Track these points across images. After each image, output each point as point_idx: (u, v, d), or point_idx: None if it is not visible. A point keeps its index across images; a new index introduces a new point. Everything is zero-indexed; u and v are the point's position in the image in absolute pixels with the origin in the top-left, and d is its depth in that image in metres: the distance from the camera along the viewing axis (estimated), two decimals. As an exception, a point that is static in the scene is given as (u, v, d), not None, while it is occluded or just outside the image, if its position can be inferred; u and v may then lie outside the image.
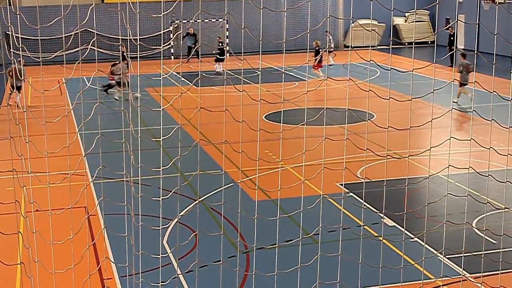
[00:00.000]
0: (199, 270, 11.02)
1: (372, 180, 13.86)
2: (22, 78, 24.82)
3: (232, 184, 15.92)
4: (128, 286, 10.38)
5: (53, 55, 15.01)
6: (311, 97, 25.07)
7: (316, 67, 32.55)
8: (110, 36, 36.13)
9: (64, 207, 7.88)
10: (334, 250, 8.66)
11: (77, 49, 31.85)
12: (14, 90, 25.78)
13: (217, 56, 34.52)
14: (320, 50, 33.68)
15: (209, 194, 15.26)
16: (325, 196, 12.20)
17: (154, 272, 9.81)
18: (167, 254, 11.53)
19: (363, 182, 11.44)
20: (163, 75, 25.81)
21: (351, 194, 15.37)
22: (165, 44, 38.93)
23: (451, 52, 32.40)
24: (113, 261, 11.72)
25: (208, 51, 39.51)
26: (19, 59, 26.29)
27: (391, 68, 10.49)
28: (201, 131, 20.30)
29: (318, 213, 8.69)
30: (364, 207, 14.23)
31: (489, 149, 8.71)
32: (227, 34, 40.58)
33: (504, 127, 8.94)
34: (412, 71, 9.06)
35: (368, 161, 17.06)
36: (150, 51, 36.39)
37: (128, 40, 7.83)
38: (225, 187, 14.52)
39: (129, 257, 8.04)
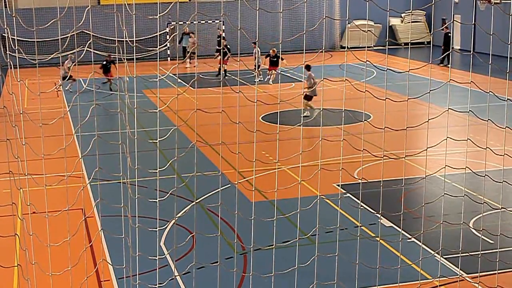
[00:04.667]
0: (196, 271, 11.02)
1: (369, 180, 13.87)
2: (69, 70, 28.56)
3: (229, 185, 15.93)
4: (126, 287, 10.37)
5: (50, 57, 14.98)
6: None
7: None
8: (106, 37, 36.14)
9: (61, 209, 7.87)
10: (332, 250, 8.67)
11: (73, 51, 31.87)
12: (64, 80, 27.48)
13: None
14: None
15: (206, 196, 15.26)
16: (322, 197, 12.20)
17: (151, 273, 9.82)
18: (164, 256, 11.52)
19: (360, 183, 11.44)
20: (159, 77, 25.83)
21: (348, 194, 15.38)
22: (161, 46, 38.93)
23: (447, 53, 32.48)
24: (110, 263, 11.71)
25: (205, 52, 39.53)
26: (70, 54, 28.02)
27: (387, 69, 10.51)
28: (198, 133, 20.29)
29: (315, 213, 8.70)
30: (361, 207, 14.24)
31: (485, 149, 8.73)
32: (224, 35, 40.60)
33: (500, 127, 8.96)
34: (409, 71, 9.07)
35: (365, 162, 17.07)
36: (147, 52, 36.39)
37: (125, 42, 7.84)
38: (222, 188, 14.51)
39: (126, 259, 8.04)
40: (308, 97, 24.00)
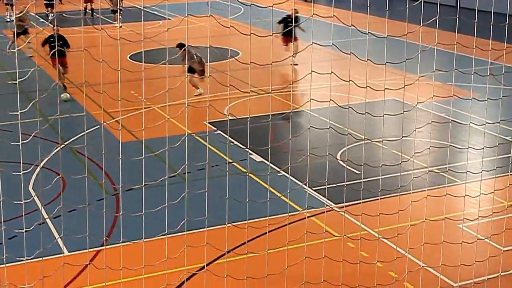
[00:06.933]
0: (68, 214, 10.84)
1: (238, 117, 14.01)
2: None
3: (97, 126, 15.65)
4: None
5: None
6: (174, 36, 24.78)
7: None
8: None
9: None
10: (204, 187, 8.74)
11: None
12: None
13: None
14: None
15: (74, 138, 14.94)
16: (192, 134, 12.22)
17: (19, 219, 9.56)
18: (31, 199, 11.23)
19: (228, 119, 11.51)
20: (16, 15, 24.74)
21: (218, 131, 15.47)
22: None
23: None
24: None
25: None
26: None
27: (251, 4, 10.48)
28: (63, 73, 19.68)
29: (186, 151, 8.70)
30: (232, 144, 14.39)
31: (348, 82, 8.96)
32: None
33: (363, 60, 9.21)
34: (272, 6, 9.12)
35: (234, 99, 17.17)
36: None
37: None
38: (89, 130, 14.23)
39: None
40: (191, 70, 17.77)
